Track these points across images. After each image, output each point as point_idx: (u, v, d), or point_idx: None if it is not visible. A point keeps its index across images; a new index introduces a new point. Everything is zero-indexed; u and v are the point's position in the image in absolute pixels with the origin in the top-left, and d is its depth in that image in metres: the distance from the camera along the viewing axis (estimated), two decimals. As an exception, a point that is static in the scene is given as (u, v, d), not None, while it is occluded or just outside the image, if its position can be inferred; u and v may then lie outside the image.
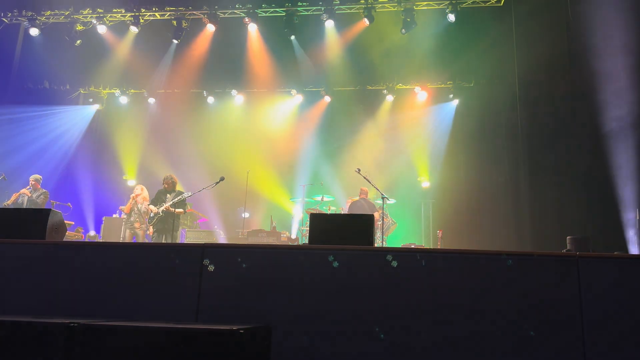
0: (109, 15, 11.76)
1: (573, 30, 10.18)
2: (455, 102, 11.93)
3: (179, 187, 8.55)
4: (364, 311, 3.27)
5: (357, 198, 9.99)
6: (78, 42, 11.77)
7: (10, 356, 2.58)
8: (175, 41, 11.86)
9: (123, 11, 11.73)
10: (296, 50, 12.15)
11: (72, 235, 9.87)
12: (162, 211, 7.97)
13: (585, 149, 9.87)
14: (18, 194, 8.88)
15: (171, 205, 7.94)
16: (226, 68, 12.55)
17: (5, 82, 12.14)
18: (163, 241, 7.94)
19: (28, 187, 9.01)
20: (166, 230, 7.98)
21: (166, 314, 3.39)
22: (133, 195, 9.11)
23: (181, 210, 8.15)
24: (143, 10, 11.67)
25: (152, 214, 8.06)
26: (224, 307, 3.39)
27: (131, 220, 9.05)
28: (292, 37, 11.83)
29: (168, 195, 8.16)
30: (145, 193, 9.07)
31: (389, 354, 3.18)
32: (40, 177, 9.16)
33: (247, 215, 11.48)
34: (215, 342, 2.47)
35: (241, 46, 12.05)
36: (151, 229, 8.14)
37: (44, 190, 9.12)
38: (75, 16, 11.70)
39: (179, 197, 7.98)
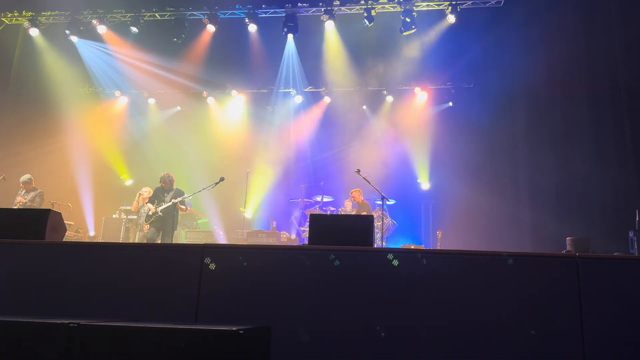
0: (109, 15, 11.77)
1: (573, 32, 10.19)
2: (455, 102, 11.93)
3: (176, 185, 8.52)
4: (364, 311, 3.27)
5: (349, 201, 10.14)
6: (75, 39, 11.82)
7: (10, 356, 2.58)
8: (175, 41, 11.84)
9: (123, 11, 11.74)
10: (296, 51, 12.16)
11: (72, 235, 9.85)
12: (161, 211, 7.96)
13: (585, 149, 9.88)
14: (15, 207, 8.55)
15: (173, 205, 7.94)
16: (226, 68, 12.55)
17: (5, 82, 12.13)
18: (160, 239, 7.94)
19: (20, 191, 8.77)
20: (163, 228, 7.98)
21: (166, 314, 3.39)
22: (140, 196, 9.11)
23: (183, 207, 8.17)
24: (143, 10, 11.68)
25: (150, 213, 8.06)
26: (224, 307, 3.39)
27: (140, 223, 9.04)
28: (292, 38, 11.83)
29: (166, 193, 8.14)
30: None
31: (390, 353, 3.18)
32: (29, 176, 8.78)
33: (249, 215, 11.49)
34: (215, 342, 2.47)
35: (241, 47, 12.05)
36: (147, 227, 8.15)
37: (39, 190, 8.78)
38: (75, 16, 11.71)
39: (180, 199, 7.97)
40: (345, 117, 12.44)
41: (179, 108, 13.23)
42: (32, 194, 8.69)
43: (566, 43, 10.29)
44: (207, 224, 11.15)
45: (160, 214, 7.95)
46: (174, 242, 8.14)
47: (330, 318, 3.28)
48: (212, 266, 3.46)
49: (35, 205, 8.52)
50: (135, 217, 9.75)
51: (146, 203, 8.47)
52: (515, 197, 10.67)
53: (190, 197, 8.19)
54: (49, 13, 11.91)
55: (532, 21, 10.58)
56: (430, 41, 11.16)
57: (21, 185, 8.74)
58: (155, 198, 8.17)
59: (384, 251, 3.54)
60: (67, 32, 11.68)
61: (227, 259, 3.48)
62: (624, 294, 3.14)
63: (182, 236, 9.94)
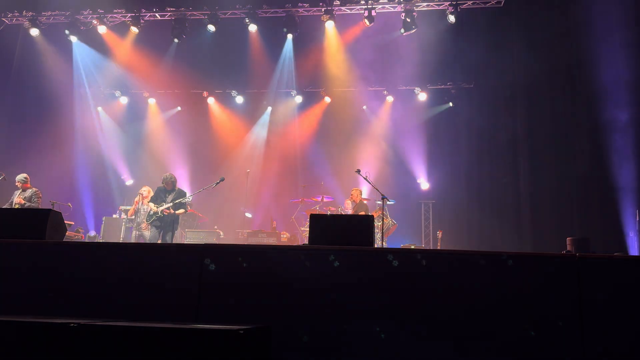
0: (110, 15, 11.76)
1: (574, 33, 10.19)
2: (456, 102, 11.92)
3: (178, 186, 8.56)
4: (364, 311, 3.27)
5: (349, 200, 10.07)
6: (75, 39, 11.83)
7: (10, 356, 2.58)
8: (175, 41, 11.85)
9: (123, 11, 11.72)
10: (296, 51, 12.15)
11: (72, 235, 9.85)
12: (162, 212, 8.01)
13: (585, 150, 9.89)
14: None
15: (172, 207, 7.99)
16: (226, 69, 12.54)
17: (5, 82, 12.13)
18: (160, 239, 7.98)
19: (16, 191, 8.76)
20: (163, 227, 8.02)
21: (166, 314, 3.39)
22: (140, 196, 9.14)
23: (182, 210, 8.21)
24: (144, 10, 11.67)
25: (151, 212, 8.10)
26: (224, 307, 3.39)
27: (137, 221, 9.06)
28: (292, 38, 11.83)
29: (168, 194, 8.18)
30: (151, 194, 9.11)
31: (389, 353, 3.18)
32: (25, 175, 8.68)
33: (250, 215, 11.47)
34: (215, 342, 2.47)
35: (241, 47, 12.04)
36: (145, 225, 8.18)
37: (35, 189, 8.67)
38: (75, 16, 11.71)
39: (180, 200, 8.02)
40: (345, 117, 12.43)
41: (179, 108, 13.22)
42: (29, 193, 8.70)
43: (566, 43, 10.30)
44: (207, 224, 11.15)
45: (161, 214, 8.00)
46: (174, 242, 8.17)
47: (330, 318, 3.28)
48: (212, 266, 3.46)
49: (34, 204, 8.53)
50: (133, 216, 9.78)
51: (148, 203, 8.51)
52: (515, 197, 10.67)
53: (190, 199, 8.21)
54: (49, 13, 11.89)
55: (532, 21, 10.58)
56: (430, 41, 11.13)
57: (17, 184, 8.75)
58: (157, 198, 8.22)
59: (384, 251, 3.55)
60: (67, 32, 11.68)
61: (227, 259, 3.48)
62: (624, 294, 3.14)
63: (183, 236, 9.95)
